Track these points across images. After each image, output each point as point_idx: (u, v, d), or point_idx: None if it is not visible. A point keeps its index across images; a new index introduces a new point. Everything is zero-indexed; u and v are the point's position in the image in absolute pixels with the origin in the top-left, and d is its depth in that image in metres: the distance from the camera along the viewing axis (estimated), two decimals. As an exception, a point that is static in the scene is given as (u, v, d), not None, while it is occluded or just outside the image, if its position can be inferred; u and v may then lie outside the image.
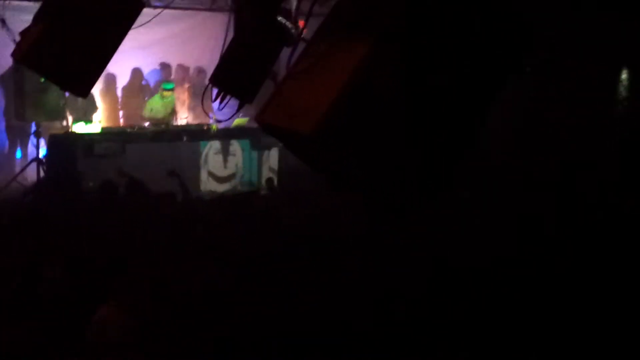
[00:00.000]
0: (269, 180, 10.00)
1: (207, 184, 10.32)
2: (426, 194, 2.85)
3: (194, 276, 4.66)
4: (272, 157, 10.63)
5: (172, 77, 12.33)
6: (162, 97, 11.20)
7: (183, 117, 11.60)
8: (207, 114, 6.60)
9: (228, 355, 3.83)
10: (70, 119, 10.63)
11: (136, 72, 11.90)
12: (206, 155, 10.37)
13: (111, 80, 11.63)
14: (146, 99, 11.75)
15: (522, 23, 2.86)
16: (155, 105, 11.20)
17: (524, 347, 4.15)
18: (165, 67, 12.20)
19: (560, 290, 4.75)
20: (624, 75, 6.03)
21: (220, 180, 10.47)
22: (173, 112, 11.30)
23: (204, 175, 10.32)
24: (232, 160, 10.59)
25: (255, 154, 10.63)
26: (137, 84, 11.93)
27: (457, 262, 5.13)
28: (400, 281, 4.80)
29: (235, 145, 10.56)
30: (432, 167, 2.81)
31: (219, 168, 10.49)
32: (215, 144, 10.42)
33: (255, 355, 3.84)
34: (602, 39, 5.71)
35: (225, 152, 10.50)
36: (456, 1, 2.75)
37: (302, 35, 3.78)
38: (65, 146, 9.30)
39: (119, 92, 11.93)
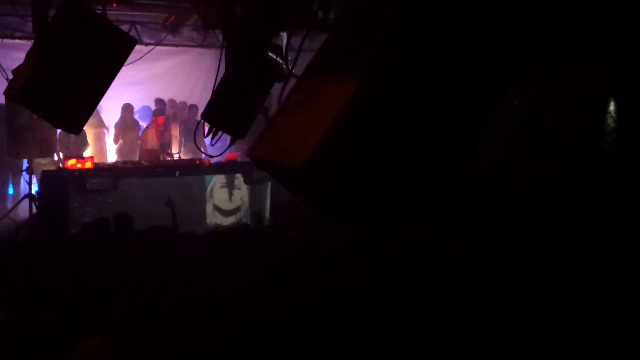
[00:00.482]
0: (258, 214, 9.96)
1: (213, 218, 10.33)
2: (418, 214, 2.88)
3: (195, 278, 4.67)
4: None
5: (166, 113, 12.44)
6: (157, 125, 11.45)
7: (175, 153, 11.69)
8: (199, 149, 6.64)
9: (228, 356, 3.81)
10: (61, 155, 10.68)
11: (128, 108, 11.98)
12: (211, 189, 10.41)
13: (102, 116, 11.68)
14: (140, 134, 11.85)
15: (509, 46, 2.91)
16: (151, 136, 11.39)
17: (524, 347, 4.14)
18: (159, 102, 12.28)
19: (560, 290, 4.75)
20: (624, 76, 6.05)
21: (225, 213, 10.49)
22: (166, 144, 11.44)
23: (209, 208, 10.34)
24: (237, 194, 10.62)
25: (247, 188, 10.66)
26: (130, 119, 12.00)
27: (457, 262, 5.13)
28: (400, 281, 4.79)
29: (240, 179, 10.59)
30: (423, 187, 2.85)
31: (224, 201, 10.50)
32: (221, 178, 10.46)
33: (256, 357, 3.82)
34: (602, 39, 5.75)
35: (230, 185, 10.55)
36: (450, 24, 2.80)
37: (292, 71, 3.82)
38: (58, 182, 9.29)
39: (111, 128, 11.98)
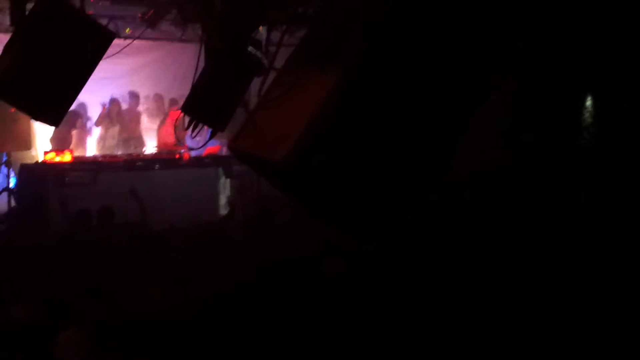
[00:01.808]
0: (230, 208, 9.90)
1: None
2: (396, 215, 2.90)
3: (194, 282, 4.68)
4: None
5: (145, 106, 12.40)
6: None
7: (154, 146, 11.68)
8: (179, 142, 6.63)
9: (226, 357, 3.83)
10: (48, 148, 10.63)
11: (115, 102, 11.96)
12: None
13: (81, 109, 11.62)
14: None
15: (490, 47, 2.94)
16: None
17: (521, 347, 4.19)
18: (133, 96, 12.24)
19: (556, 291, 4.81)
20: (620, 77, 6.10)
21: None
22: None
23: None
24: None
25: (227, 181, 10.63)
26: (116, 114, 11.97)
27: (454, 263, 5.18)
28: (397, 281, 4.83)
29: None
30: (402, 189, 2.87)
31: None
32: None
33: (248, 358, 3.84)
34: (600, 41, 5.79)
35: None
36: (423, 29, 2.82)
37: (272, 65, 3.83)
38: (36, 176, 9.24)
39: (90, 122, 11.93)
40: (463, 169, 5.80)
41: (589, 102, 6.26)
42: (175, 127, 5.10)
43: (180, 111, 10.90)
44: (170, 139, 11.40)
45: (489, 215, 6.10)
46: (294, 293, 4.59)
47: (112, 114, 11.88)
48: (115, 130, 11.91)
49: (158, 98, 12.55)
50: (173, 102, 12.20)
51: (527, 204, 6.13)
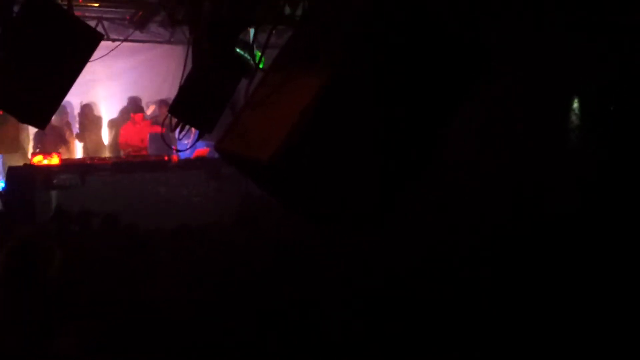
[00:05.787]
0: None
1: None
2: (379, 219, 2.90)
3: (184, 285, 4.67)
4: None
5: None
6: (134, 123, 11.39)
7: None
8: (168, 145, 6.62)
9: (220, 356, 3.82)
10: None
11: (91, 105, 11.93)
12: None
13: (67, 112, 11.60)
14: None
15: (479, 48, 2.95)
16: (129, 133, 11.36)
17: (515, 347, 4.21)
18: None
19: (553, 290, 4.83)
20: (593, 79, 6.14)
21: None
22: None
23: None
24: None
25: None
26: (92, 115, 11.93)
27: (452, 262, 5.19)
28: (395, 281, 4.84)
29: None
30: (386, 194, 2.88)
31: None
32: None
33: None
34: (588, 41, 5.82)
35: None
36: (410, 29, 2.83)
37: (259, 66, 3.85)
38: (24, 179, 9.20)
39: (76, 125, 11.92)
40: (461, 170, 5.83)
41: (576, 104, 6.29)
42: (164, 129, 5.08)
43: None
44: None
45: (488, 214, 6.12)
46: (290, 293, 4.58)
47: (90, 116, 11.87)
48: (96, 132, 11.91)
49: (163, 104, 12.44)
50: (162, 103, 12.15)
51: (524, 204, 6.16)
